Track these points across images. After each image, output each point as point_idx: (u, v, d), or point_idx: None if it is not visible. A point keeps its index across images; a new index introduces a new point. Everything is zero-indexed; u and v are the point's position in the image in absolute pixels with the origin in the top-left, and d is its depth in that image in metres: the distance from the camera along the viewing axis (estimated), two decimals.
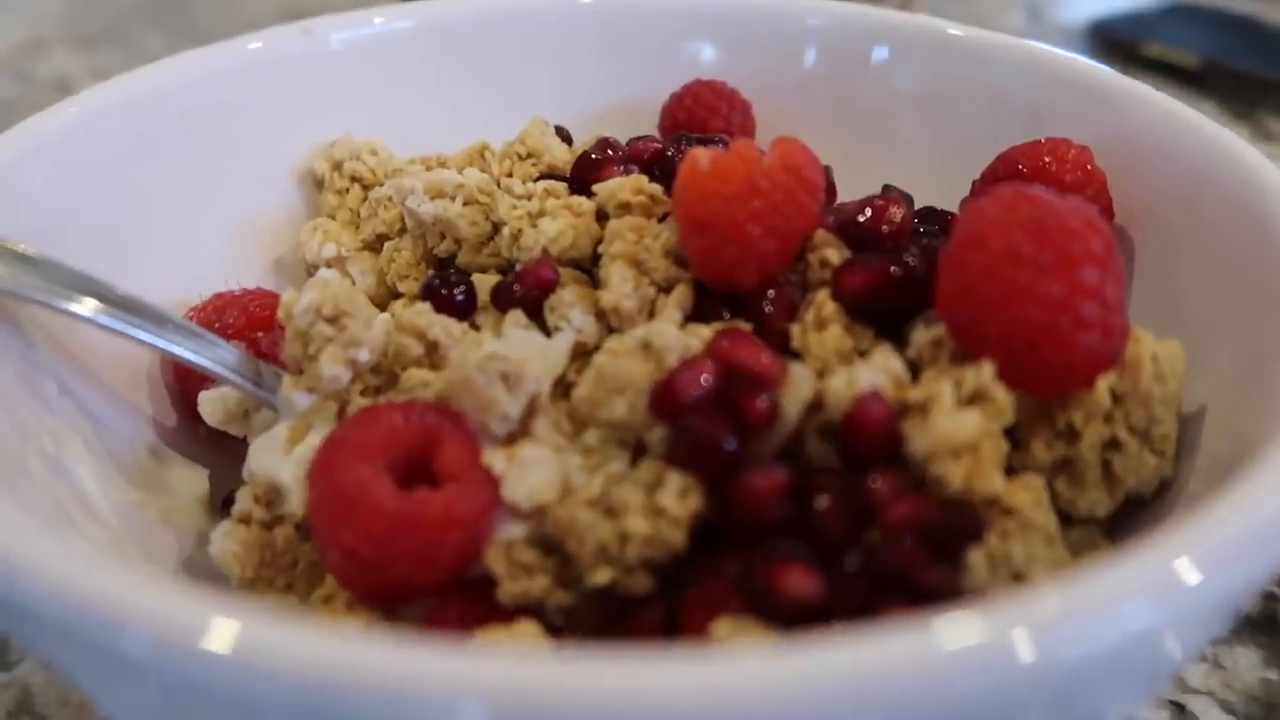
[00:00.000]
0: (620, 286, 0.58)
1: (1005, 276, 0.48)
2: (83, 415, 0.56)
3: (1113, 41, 1.47)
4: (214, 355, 0.58)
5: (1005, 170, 0.64)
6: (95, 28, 1.46)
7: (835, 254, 0.57)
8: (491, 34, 0.77)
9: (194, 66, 0.68)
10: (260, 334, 0.63)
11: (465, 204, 0.65)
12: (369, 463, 0.47)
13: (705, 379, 0.48)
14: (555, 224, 0.61)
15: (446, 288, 0.61)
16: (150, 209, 0.65)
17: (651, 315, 0.59)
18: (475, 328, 0.60)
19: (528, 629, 0.48)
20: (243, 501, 0.54)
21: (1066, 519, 0.54)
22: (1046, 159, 0.63)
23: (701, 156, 0.55)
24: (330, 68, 0.73)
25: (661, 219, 0.61)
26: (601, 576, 0.48)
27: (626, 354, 0.51)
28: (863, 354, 0.54)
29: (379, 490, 0.45)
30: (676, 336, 0.52)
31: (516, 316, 0.59)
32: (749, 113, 0.78)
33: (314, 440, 0.54)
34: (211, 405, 0.59)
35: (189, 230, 0.66)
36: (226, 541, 0.53)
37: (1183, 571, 0.33)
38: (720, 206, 0.54)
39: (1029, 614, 0.32)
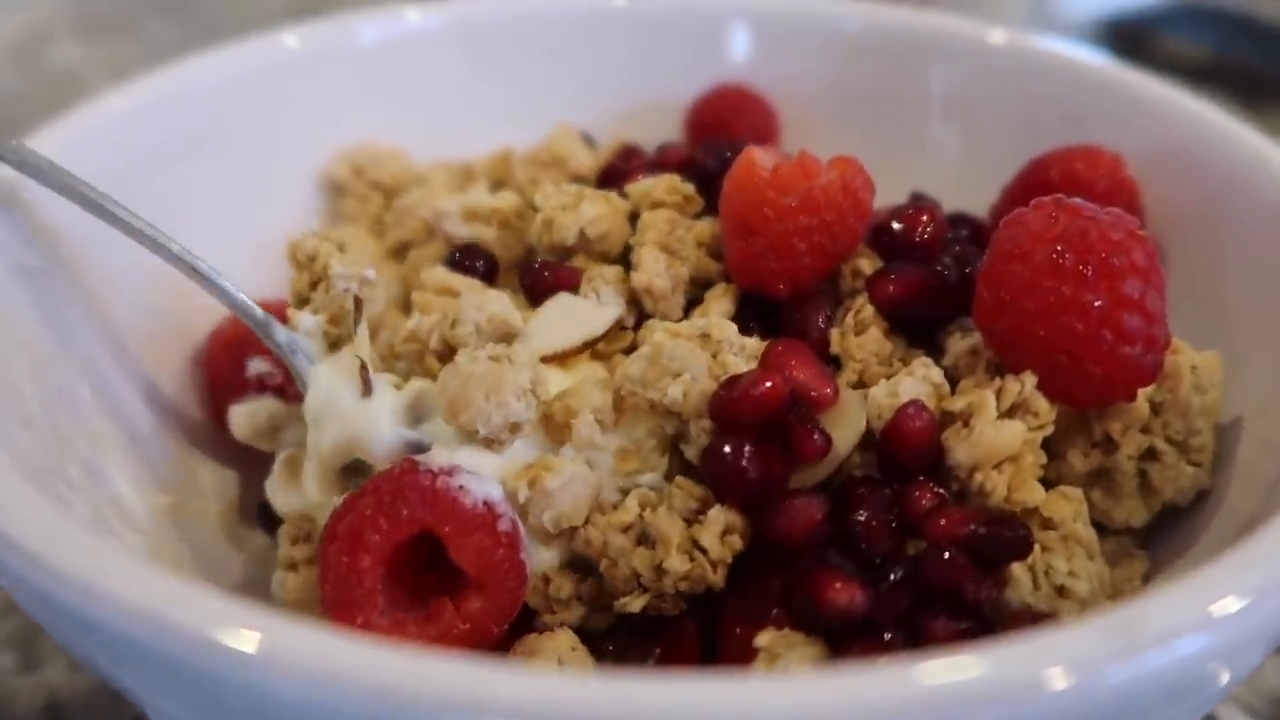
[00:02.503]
0: (652, 266, 0.57)
1: (1047, 289, 0.48)
2: (116, 419, 0.56)
3: (1123, 37, 1.46)
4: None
5: (1036, 177, 0.64)
6: (101, 16, 1.44)
7: (867, 264, 0.57)
8: (522, 34, 0.76)
9: (223, 66, 0.67)
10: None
11: (500, 227, 0.65)
12: (369, 576, 0.44)
13: (769, 397, 0.47)
14: (595, 207, 0.60)
15: (469, 258, 0.60)
16: (178, 209, 0.64)
17: (687, 310, 0.58)
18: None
19: (564, 641, 0.48)
20: (283, 547, 0.53)
21: (1101, 528, 0.54)
22: (1078, 166, 0.63)
23: (761, 158, 0.55)
24: (362, 65, 0.73)
25: (695, 217, 0.62)
26: (634, 605, 0.48)
27: (688, 337, 0.51)
28: (900, 361, 0.54)
29: (375, 617, 0.44)
30: (735, 333, 0.52)
31: (563, 293, 0.59)
32: (774, 117, 0.78)
33: (311, 469, 0.53)
34: (240, 420, 0.59)
35: (217, 230, 0.65)
36: (284, 593, 0.53)
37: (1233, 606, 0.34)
38: (772, 216, 0.53)
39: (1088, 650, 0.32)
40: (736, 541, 0.47)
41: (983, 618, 0.45)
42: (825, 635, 0.45)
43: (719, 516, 0.47)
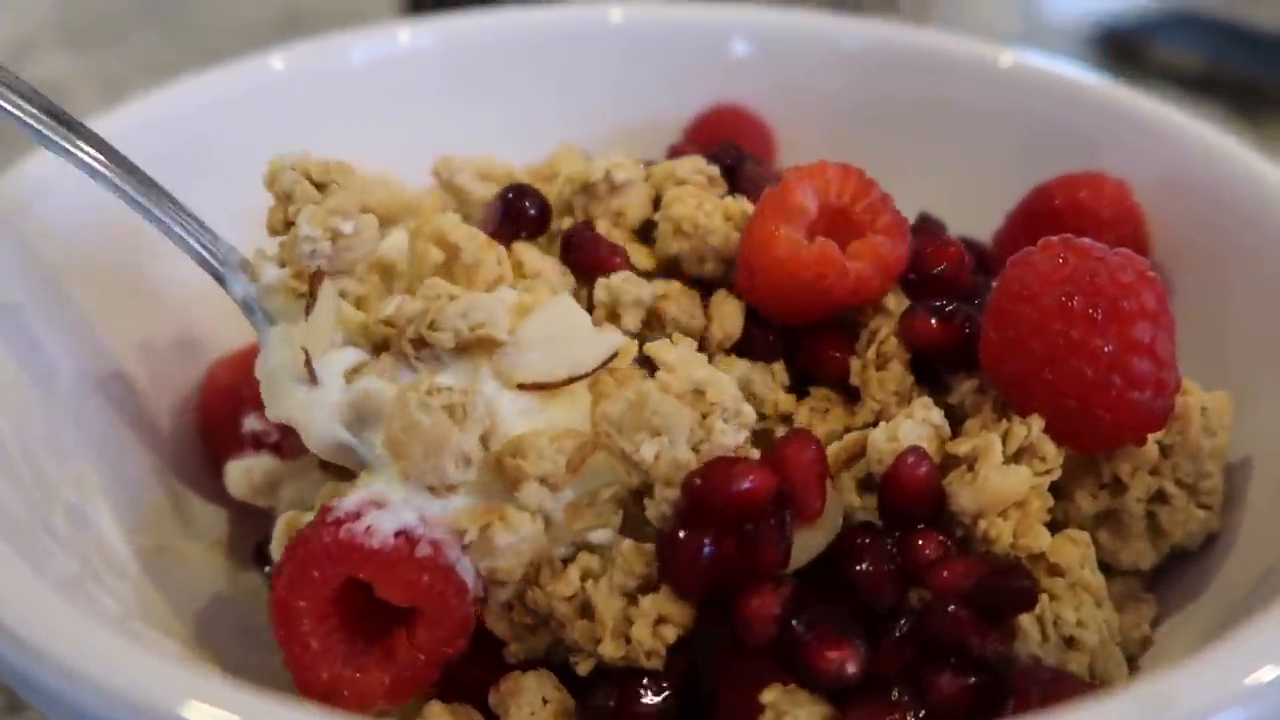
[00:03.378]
0: (683, 213, 0.57)
1: (1056, 332, 0.47)
2: (103, 461, 0.55)
3: (1117, 46, 1.46)
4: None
5: (1040, 204, 0.63)
6: (88, 27, 1.42)
7: (894, 301, 0.55)
8: (515, 53, 0.75)
9: (210, 88, 0.66)
10: None
11: None
12: (315, 636, 0.45)
13: (750, 498, 0.44)
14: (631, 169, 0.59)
15: (520, 199, 0.57)
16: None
17: (705, 320, 0.56)
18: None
19: (540, 682, 0.47)
20: None
21: (1108, 570, 0.53)
22: (1083, 194, 0.62)
23: (788, 235, 0.52)
24: (352, 86, 0.72)
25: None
26: (584, 667, 0.47)
27: (677, 395, 0.47)
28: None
29: (339, 669, 0.45)
30: (734, 397, 0.48)
31: (566, 296, 0.54)
32: (771, 137, 0.76)
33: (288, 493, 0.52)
34: (236, 478, 0.57)
35: None
36: None
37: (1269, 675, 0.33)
38: (801, 300, 0.53)
39: None
40: (670, 633, 0.45)
41: (992, 670, 0.44)
42: (831, 691, 0.44)
43: (652, 608, 0.45)
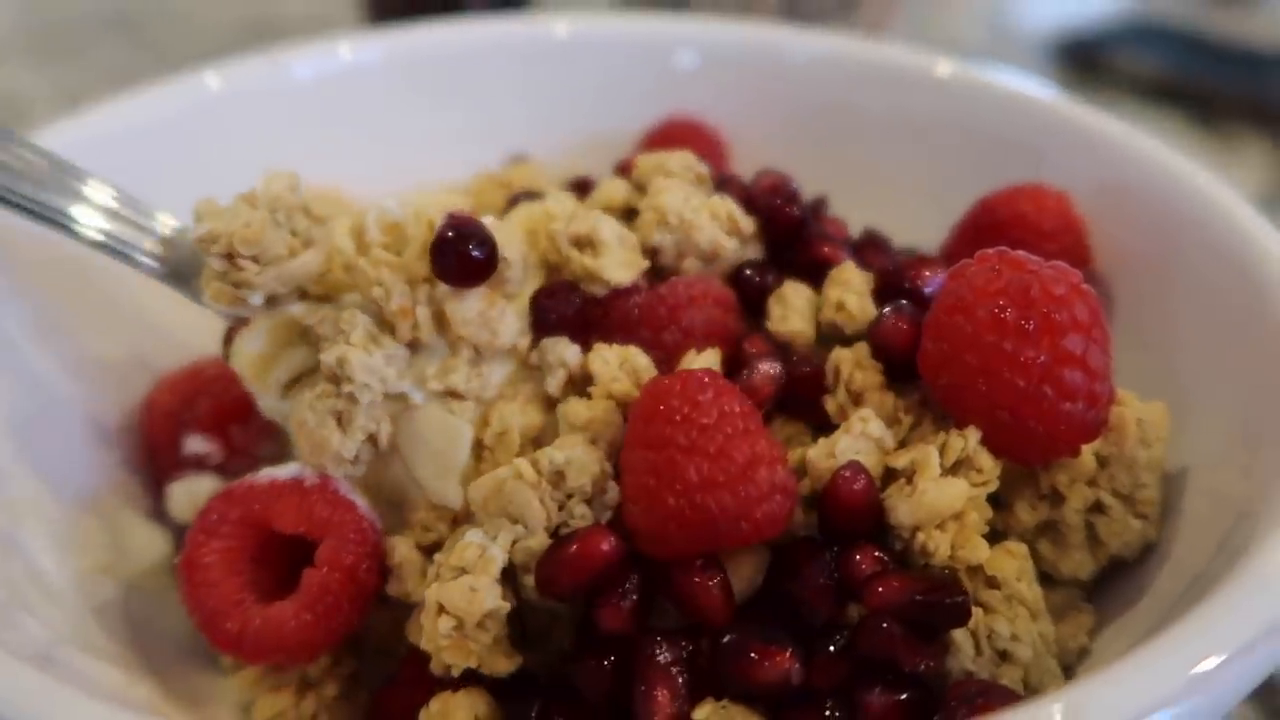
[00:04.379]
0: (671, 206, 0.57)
1: (989, 344, 0.47)
2: (39, 484, 0.54)
3: (1079, 56, 1.47)
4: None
5: (984, 217, 0.63)
6: (48, 39, 1.41)
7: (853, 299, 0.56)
8: (461, 67, 0.75)
9: (149, 108, 0.65)
10: (235, 427, 0.61)
11: None
12: (224, 571, 0.48)
13: (584, 566, 0.44)
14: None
15: (465, 241, 0.50)
16: None
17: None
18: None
19: (472, 700, 0.46)
20: None
21: (1048, 580, 0.53)
22: (1025, 206, 0.62)
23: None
24: (298, 102, 0.71)
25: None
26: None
27: (534, 482, 0.46)
28: (905, 413, 0.52)
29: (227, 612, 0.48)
30: (593, 480, 0.47)
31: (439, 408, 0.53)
32: (723, 150, 0.76)
33: None
34: (179, 500, 0.58)
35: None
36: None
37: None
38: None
39: None
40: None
41: (924, 685, 0.44)
42: (764, 705, 0.44)
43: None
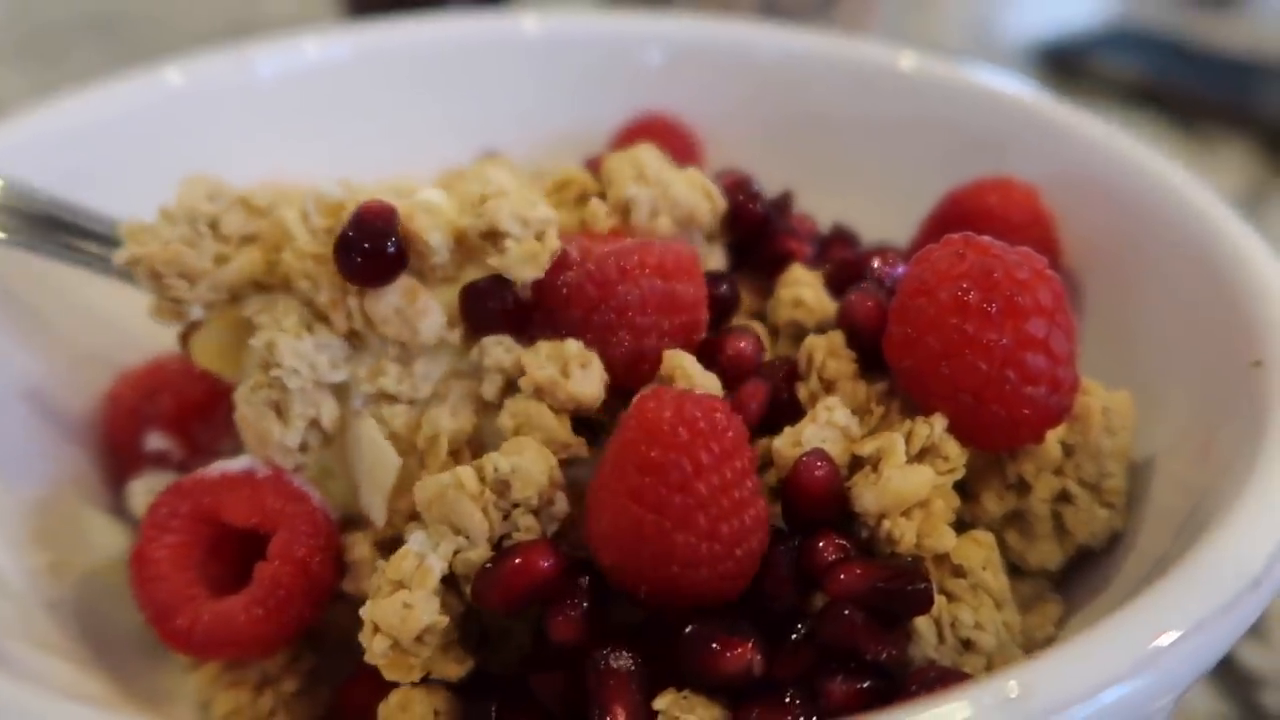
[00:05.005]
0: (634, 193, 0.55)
1: (950, 327, 0.46)
2: None
3: (1059, 61, 1.48)
4: None
5: (952, 210, 0.63)
6: (29, 41, 1.41)
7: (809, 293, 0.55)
8: (430, 63, 0.75)
9: (107, 103, 0.65)
10: (196, 424, 0.60)
11: None
12: (174, 566, 0.48)
13: (521, 583, 0.43)
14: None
15: (368, 239, 0.47)
16: None
17: None
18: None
19: (430, 696, 0.45)
20: None
21: (1017, 570, 0.53)
22: (993, 199, 0.62)
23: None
24: (262, 99, 0.71)
25: None
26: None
27: (476, 493, 0.44)
28: (879, 404, 0.52)
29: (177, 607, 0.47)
30: (542, 489, 0.45)
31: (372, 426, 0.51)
32: (697, 146, 0.76)
33: None
34: (140, 498, 0.56)
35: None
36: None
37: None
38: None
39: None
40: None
41: (886, 674, 0.43)
42: (726, 695, 0.44)
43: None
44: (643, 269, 0.48)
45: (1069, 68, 1.47)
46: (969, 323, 0.46)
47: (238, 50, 0.70)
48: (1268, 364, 0.45)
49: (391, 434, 0.50)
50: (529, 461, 0.45)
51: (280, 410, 0.48)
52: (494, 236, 0.49)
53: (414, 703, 0.45)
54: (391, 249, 0.47)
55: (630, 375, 0.49)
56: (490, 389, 0.50)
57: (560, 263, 0.49)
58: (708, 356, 0.51)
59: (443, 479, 0.45)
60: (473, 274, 0.51)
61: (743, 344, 0.52)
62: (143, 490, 0.58)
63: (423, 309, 0.49)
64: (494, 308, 0.49)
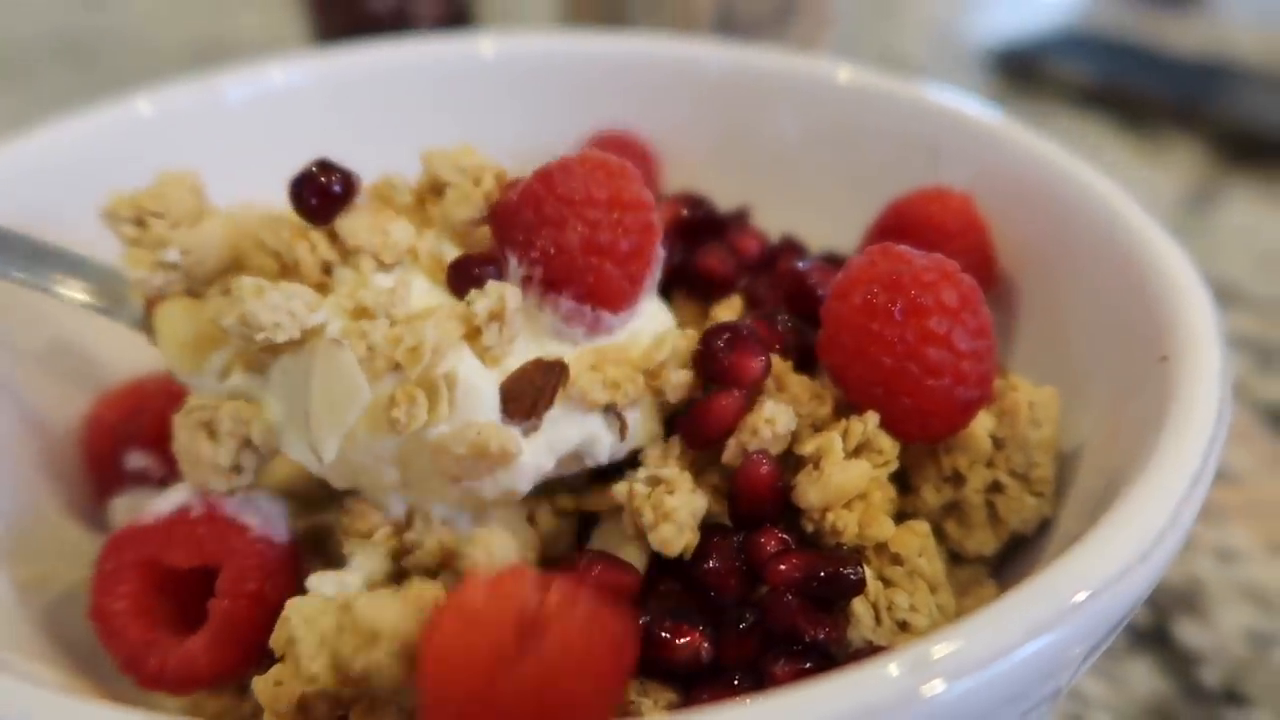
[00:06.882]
0: None
1: (860, 325, 0.50)
2: None
3: (1015, 65, 1.52)
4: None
5: (891, 220, 0.66)
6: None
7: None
8: (391, 88, 0.77)
9: (78, 136, 0.67)
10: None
11: None
12: (133, 615, 0.49)
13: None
14: None
15: (324, 174, 0.51)
16: None
17: None
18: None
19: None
20: None
21: (957, 559, 0.56)
22: (931, 208, 0.65)
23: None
24: (228, 124, 0.73)
25: None
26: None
27: (387, 604, 0.43)
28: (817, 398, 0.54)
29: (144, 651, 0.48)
30: (505, 553, 0.47)
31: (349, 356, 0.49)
32: (654, 163, 0.79)
33: None
34: (122, 516, 0.59)
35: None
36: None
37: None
38: None
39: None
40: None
41: (827, 655, 0.47)
42: (679, 681, 0.47)
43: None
44: (584, 165, 0.51)
45: (1024, 72, 1.51)
46: (875, 322, 0.50)
47: (205, 79, 0.72)
48: (1172, 358, 0.48)
49: (369, 348, 0.47)
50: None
51: (210, 428, 0.49)
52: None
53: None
54: (338, 188, 0.51)
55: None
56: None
57: (508, 185, 0.54)
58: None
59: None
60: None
61: (713, 260, 0.60)
62: (125, 507, 0.60)
63: (390, 218, 0.52)
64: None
